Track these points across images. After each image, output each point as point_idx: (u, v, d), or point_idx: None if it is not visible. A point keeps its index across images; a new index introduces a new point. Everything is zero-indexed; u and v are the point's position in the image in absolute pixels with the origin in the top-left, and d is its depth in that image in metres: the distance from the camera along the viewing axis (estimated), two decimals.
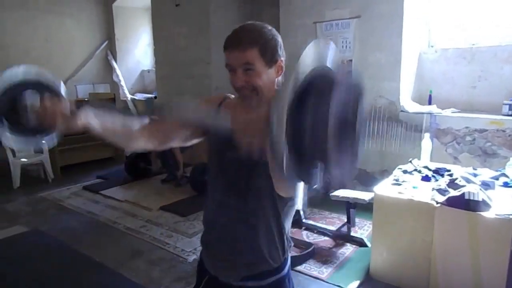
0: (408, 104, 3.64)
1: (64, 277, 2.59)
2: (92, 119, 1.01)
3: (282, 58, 1.05)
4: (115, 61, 6.63)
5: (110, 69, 6.66)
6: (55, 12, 5.78)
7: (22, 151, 4.85)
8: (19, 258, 2.90)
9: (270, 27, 1.05)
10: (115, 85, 6.68)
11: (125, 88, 6.59)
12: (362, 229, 3.17)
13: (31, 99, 0.97)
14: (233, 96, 1.18)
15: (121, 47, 6.69)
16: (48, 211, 3.90)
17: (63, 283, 2.52)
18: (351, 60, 3.87)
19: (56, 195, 4.39)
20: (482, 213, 1.99)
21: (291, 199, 1.09)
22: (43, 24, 5.67)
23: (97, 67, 6.51)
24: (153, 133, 1.14)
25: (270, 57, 1.01)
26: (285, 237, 1.12)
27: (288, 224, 1.13)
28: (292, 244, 1.19)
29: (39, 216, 3.75)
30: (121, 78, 6.60)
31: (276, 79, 1.06)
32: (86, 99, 5.89)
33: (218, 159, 1.13)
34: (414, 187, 2.39)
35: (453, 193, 2.12)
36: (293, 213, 1.14)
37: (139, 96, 6.60)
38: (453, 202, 2.08)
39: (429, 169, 2.68)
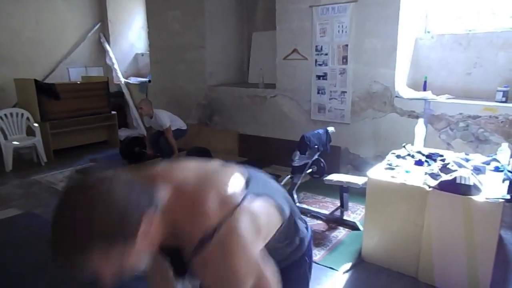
0: (403, 90, 3.65)
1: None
2: None
3: (142, 217, 0.76)
4: (108, 44, 6.52)
5: (103, 52, 6.55)
6: None
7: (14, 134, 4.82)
8: (12, 240, 2.90)
9: (100, 191, 0.72)
10: (108, 69, 6.58)
11: (118, 71, 6.50)
12: (355, 213, 3.21)
13: None
14: None
15: (114, 30, 6.57)
16: (41, 194, 3.89)
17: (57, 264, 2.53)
18: (347, 45, 3.85)
19: (49, 178, 4.37)
20: (473, 197, 2.02)
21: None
22: (33, 5, 5.53)
23: (90, 50, 6.40)
24: None
25: (121, 239, 0.73)
26: (295, 245, 1.14)
27: (293, 238, 1.13)
28: (306, 227, 1.21)
29: (32, 199, 3.74)
30: (114, 61, 6.50)
31: (154, 235, 0.81)
32: (78, 82, 5.81)
33: None
34: (406, 172, 2.41)
35: (445, 177, 2.14)
36: (291, 228, 1.10)
37: (133, 80, 6.53)
38: (444, 186, 2.10)
39: (422, 154, 2.70)
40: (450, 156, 2.58)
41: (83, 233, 0.69)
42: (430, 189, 2.16)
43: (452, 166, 2.23)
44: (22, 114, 4.89)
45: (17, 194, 3.90)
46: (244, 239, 0.84)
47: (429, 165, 2.50)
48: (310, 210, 3.22)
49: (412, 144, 3.03)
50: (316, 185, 3.70)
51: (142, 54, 6.82)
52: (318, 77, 4.14)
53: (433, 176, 2.22)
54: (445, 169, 2.23)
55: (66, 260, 0.72)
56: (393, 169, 2.48)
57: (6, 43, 5.26)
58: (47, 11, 5.71)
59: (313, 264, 2.44)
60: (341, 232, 2.90)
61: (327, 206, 3.36)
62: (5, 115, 4.77)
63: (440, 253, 2.18)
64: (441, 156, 2.64)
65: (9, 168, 4.60)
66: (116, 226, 0.72)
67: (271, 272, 0.93)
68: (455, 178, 2.07)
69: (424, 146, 3.06)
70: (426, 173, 2.29)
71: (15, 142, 4.69)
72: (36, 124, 4.86)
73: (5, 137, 4.67)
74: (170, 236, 0.85)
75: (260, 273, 0.89)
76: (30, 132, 4.92)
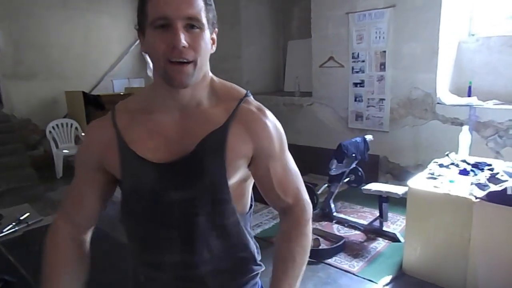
0: (445, 96, 3.50)
1: (103, 262, 2.73)
2: None
3: (217, 29, 0.78)
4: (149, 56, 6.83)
5: (144, 64, 6.85)
6: (93, 10, 6.02)
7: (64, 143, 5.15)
8: None
9: None
10: (149, 80, 6.88)
11: None
12: (395, 224, 3.10)
13: None
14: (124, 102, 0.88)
15: None
16: None
17: (102, 267, 2.65)
18: (384, 51, 3.77)
19: None
20: None
21: (251, 207, 0.89)
22: (82, 22, 5.93)
23: (132, 62, 6.73)
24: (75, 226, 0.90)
25: (212, 19, 0.74)
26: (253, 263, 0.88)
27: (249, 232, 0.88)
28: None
29: None
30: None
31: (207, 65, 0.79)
32: (121, 93, 6.12)
33: (146, 207, 0.81)
34: (450, 181, 2.30)
35: (494, 188, 2.03)
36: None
37: None
38: (494, 197, 1.99)
39: (468, 163, 2.57)
40: (500, 166, 2.43)
41: None
42: (477, 200, 2.05)
43: (502, 176, 2.11)
44: (71, 124, 5.22)
45: None
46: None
47: (476, 174, 2.37)
48: (348, 220, 3.15)
49: (456, 153, 2.89)
50: (354, 194, 3.62)
51: None
52: (355, 84, 4.08)
53: (481, 186, 2.11)
54: (493, 179, 2.11)
55: None
56: (435, 178, 2.38)
57: (59, 58, 5.66)
58: (94, 28, 6.09)
59: (351, 276, 2.41)
60: (380, 244, 2.81)
61: (366, 216, 3.28)
62: (57, 125, 5.12)
63: (489, 268, 2.05)
64: (489, 165, 2.49)
65: (60, 175, 4.91)
66: (213, 5, 0.74)
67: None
68: (505, 189, 1.95)
69: (470, 154, 2.90)
70: (472, 183, 2.18)
71: (65, 151, 5.00)
72: (83, 134, 5.17)
73: (57, 146, 5.01)
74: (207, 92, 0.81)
75: (288, 157, 0.85)
76: (78, 141, 5.24)
